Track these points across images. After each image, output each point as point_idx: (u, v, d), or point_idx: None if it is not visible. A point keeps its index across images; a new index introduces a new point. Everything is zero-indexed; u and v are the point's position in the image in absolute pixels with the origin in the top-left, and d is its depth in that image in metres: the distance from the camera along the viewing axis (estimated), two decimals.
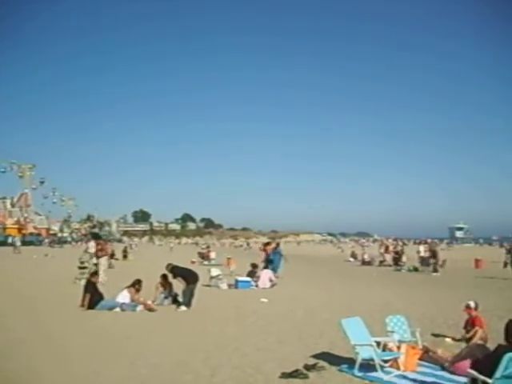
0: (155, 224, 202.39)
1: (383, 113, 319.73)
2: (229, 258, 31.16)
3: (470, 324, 10.48)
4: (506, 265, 27.55)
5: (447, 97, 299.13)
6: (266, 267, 25.29)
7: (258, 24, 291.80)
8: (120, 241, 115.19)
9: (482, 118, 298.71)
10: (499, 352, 6.23)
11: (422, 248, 43.12)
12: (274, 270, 25.89)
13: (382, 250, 44.41)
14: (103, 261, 22.80)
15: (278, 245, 30.20)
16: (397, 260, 36.99)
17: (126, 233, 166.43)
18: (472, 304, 10.65)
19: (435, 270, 30.61)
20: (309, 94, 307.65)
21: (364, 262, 42.56)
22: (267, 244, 29.95)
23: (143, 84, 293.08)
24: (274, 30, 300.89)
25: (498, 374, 6.03)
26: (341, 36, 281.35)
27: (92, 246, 23.49)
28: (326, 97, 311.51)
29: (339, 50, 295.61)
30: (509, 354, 6.04)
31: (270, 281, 21.72)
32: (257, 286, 21.36)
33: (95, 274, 16.80)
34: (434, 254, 31.96)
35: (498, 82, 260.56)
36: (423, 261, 35.50)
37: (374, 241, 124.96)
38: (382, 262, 40.62)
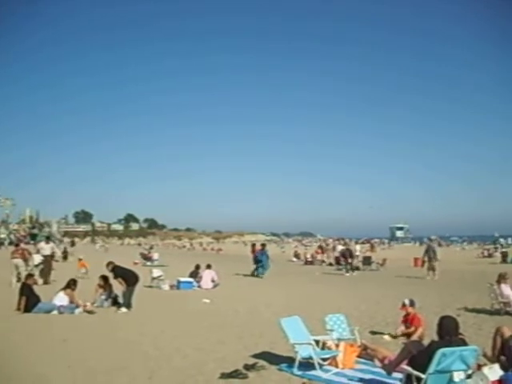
0: (97, 224, 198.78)
1: (324, 105, 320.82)
2: (80, 259, 29.46)
3: (409, 321, 10.74)
4: (423, 263, 28.10)
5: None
6: (256, 267, 28.36)
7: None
8: (61, 242, 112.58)
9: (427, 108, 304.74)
10: (432, 348, 6.38)
11: (358, 247, 43.91)
12: (263, 270, 27.93)
13: (319, 250, 45.23)
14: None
15: (264, 246, 31.06)
16: (339, 260, 37.48)
17: (67, 234, 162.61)
18: (407, 302, 10.93)
19: (348, 270, 30.29)
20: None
21: (307, 262, 42.97)
22: (255, 245, 32.30)
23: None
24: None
25: (431, 369, 6.18)
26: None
27: (44, 247, 23.02)
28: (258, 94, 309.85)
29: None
30: (441, 349, 6.19)
31: (213, 281, 21.66)
32: (199, 286, 21.27)
33: (30, 276, 16.32)
34: (350, 254, 31.32)
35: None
36: (364, 260, 36.20)
37: (318, 241, 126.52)
38: (323, 262, 41.17)
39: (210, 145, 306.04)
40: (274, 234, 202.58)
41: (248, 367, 8.22)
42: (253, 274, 28.68)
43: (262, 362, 8.57)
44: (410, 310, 10.85)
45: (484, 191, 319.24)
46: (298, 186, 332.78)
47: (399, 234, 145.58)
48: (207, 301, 17.00)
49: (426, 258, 27.16)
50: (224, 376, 7.80)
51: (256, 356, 9.10)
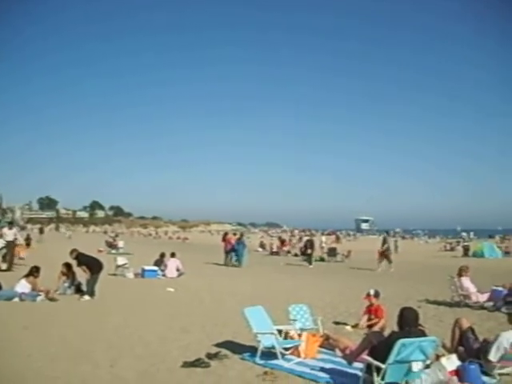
0: (62, 211, 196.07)
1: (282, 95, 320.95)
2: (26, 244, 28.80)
3: (373, 312, 10.88)
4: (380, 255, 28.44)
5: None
6: (230, 257, 29.07)
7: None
8: (23, 228, 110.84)
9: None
10: (392, 338, 6.50)
11: (324, 238, 44.24)
12: (239, 260, 28.40)
13: (278, 243, 45.47)
14: None
15: (241, 235, 31.76)
16: (304, 250, 37.76)
17: (30, 220, 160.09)
18: (372, 292, 11.06)
19: (307, 261, 30.60)
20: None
21: (272, 252, 43.18)
22: (226, 234, 31.97)
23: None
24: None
25: (390, 359, 6.29)
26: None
27: (6, 232, 22.63)
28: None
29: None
30: (401, 340, 6.31)
31: (178, 270, 21.61)
32: (164, 275, 21.19)
33: None
34: (311, 245, 31.22)
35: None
36: (330, 251, 36.54)
37: (283, 231, 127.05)
38: (288, 253, 41.44)
39: (178, 136, 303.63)
40: (240, 224, 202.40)
41: (210, 356, 8.24)
42: (225, 264, 28.97)
43: (224, 351, 8.60)
44: (374, 300, 10.98)
45: (442, 185, 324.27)
46: (265, 176, 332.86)
47: (364, 226, 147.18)
48: (171, 289, 16.97)
49: (381, 250, 27.52)
50: (186, 365, 7.81)
51: (219, 345, 9.13)
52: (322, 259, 35.08)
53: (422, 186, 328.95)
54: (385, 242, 27.69)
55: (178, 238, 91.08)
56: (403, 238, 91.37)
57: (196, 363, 7.84)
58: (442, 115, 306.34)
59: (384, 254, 27.18)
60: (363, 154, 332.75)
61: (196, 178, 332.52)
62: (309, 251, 30.82)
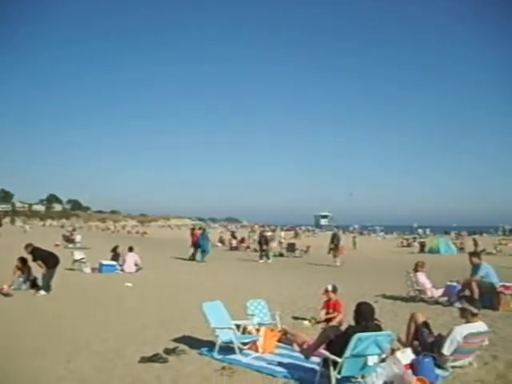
0: (18, 205, 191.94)
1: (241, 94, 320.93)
2: None
3: (331, 307, 10.99)
4: (330, 251, 28.73)
5: None
6: (195, 251, 29.00)
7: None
8: None
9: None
10: (349, 333, 6.59)
11: (283, 234, 44.48)
12: (204, 254, 28.52)
13: (231, 238, 45.60)
14: None
15: (204, 230, 31.95)
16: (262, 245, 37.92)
17: None
18: (330, 287, 11.17)
19: (262, 256, 30.23)
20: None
21: (232, 248, 43.16)
22: (194, 229, 32.88)
23: None
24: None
25: (347, 353, 6.38)
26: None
27: None
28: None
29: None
30: (358, 334, 6.40)
31: (136, 265, 21.44)
32: (122, 270, 20.99)
33: None
34: (265, 241, 30.99)
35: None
36: (289, 246, 36.74)
37: (243, 226, 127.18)
38: (247, 248, 41.51)
39: (139, 136, 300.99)
40: (200, 219, 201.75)
41: (168, 351, 8.22)
42: (191, 258, 28.98)
43: (182, 346, 8.59)
44: (332, 295, 11.10)
45: (398, 183, 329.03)
46: (225, 171, 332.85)
47: (323, 222, 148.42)
48: (130, 284, 16.83)
49: (332, 245, 27.86)
50: (144, 360, 7.78)
51: (177, 340, 9.11)
52: (280, 254, 35.26)
53: (381, 184, 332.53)
54: (334, 237, 28.02)
55: (137, 232, 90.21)
56: (361, 234, 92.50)
57: (154, 358, 7.81)
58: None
59: (333, 250, 27.61)
60: (325, 150, 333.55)
61: (156, 173, 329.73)
62: (264, 247, 30.67)
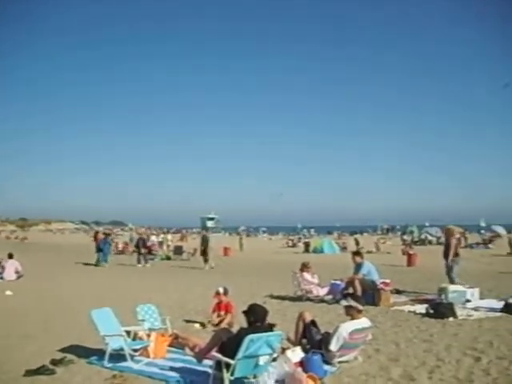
0: None
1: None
2: None
3: (223, 309, 11.07)
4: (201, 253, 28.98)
5: None
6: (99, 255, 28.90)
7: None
8: None
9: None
10: (241, 334, 6.69)
11: (169, 237, 44.18)
12: (105, 259, 28.63)
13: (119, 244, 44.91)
14: None
15: (107, 235, 32.19)
16: (150, 249, 37.51)
17: None
18: (221, 290, 11.28)
19: (140, 260, 29.43)
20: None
21: (118, 252, 42.29)
22: (97, 233, 32.55)
23: None
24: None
25: (239, 354, 6.47)
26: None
27: None
28: None
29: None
30: (250, 335, 6.51)
31: (17, 272, 20.47)
32: (1, 278, 19.96)
33: None
34: (143, 244, 30.29)
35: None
36: (176, 249, 36.56)
37: (129, 229, 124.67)
38: (134, 252, 40.85)
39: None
40: (83, 223, 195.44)
41: (55, 362, 7.92)
42: (96, 264, 28.45)
43: (70, 356, 8.30)
44: (224, 298, 11.19)
45: (285, 184, 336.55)
46: (110, 174, 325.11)
47: (210, 224, 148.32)
48: (10, 293, 16.04)
49: (202, 248, 27.95)
50: (29, 373, 7.43)
51: (64, 350, 8.79)
52: (168, 258, 35.04)
53: (265, 186, 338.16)
54: (203, 240, 28.14)
55: (16, 237, 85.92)
56: (248, 235, 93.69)
57: (40, 371, 7.48)
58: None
59: (204, 252, 27.60)
60: (208, 152, 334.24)
61: (37, 174, 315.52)
62: (142, 250, 29.89)
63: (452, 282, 14.98)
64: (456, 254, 15.59)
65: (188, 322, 11.50)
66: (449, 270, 15.50)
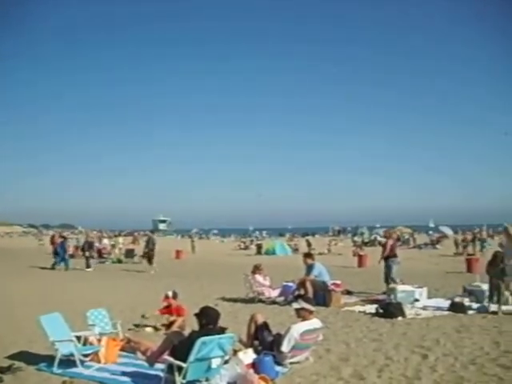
0: None
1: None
2: None
3: (173, 312, 11.02)
4: (144, 255, 28.62)
5: None
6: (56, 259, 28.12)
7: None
8: None
9: None
10: (193, 337, 6.70)
11: (121, 239, 43.70)
12: (66, 263, 27.85)
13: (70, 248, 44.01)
14: None
15: (64, 238, 31.09)
16: (100, 252, 37.16)
17: None
18: (170, 293, 11.23)
19: (88, 265, 28.52)
20: None
21: (69, 255, 41.42)
22: (54, 237, 32.57)
23: None
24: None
25: (191, 357, 6.48)
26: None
27: None
28: None
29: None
30: (202, 338, 6.52)
31: None
32: None
33: None
34: (90, 246, 29.93)
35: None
36: (127, 252, 36.15)
37: (79, 232, 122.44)
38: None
39: None
40: (31, 226, 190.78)
41: (3, 370, 7.71)
42: (53, 267, 27.72)
43: (18, 363, 8.11)
44: (173, 301, 11.15)
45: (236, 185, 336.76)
46: (59, 175, 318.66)
47: (162, 226, 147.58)
48: None
49: (146, 250, 27.67)
50: None
51: (12, 357, 8.58)
52: (119, 261, 34.58)
53: (218, 187, 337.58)
54: (149, 242, 27.86)
55: None
56: (200, 237, 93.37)
57: None
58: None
59: (148, 255, 27.22)
60: (161, 154, 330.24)
61: None
62: (87, 254, 29.19)
63: (390, 282, 15.54)
64: (394, 255, 16.02)
65: (139, 325, 11.39)
66: (387, 270, 15.95)
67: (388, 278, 15.65)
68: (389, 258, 15.96)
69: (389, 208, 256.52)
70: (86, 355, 8.26)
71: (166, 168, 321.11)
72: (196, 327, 7.29)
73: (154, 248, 27.03)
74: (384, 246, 16.48)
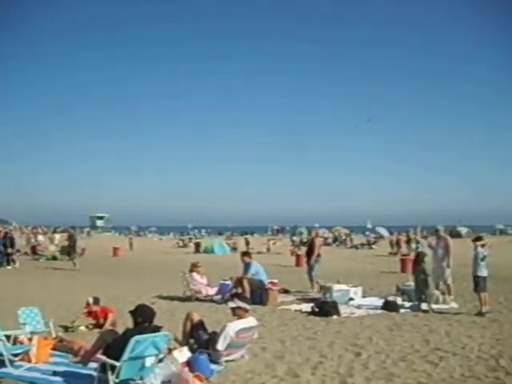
0: None
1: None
2: None
3: (101, 316, 10.79)
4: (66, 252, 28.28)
5: None
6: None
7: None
8: None
9: None
10: (127, 336, 6.61)
11: (57, 236, 42.74)
12: (7, 259, 26.73)
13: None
14: None
15: (6, 234, 29.23)
16: (34, 249, 36.30)
17: None
18: (90, 300, 10.99)
19: (13, 262, 27.27)
20: None
21: None
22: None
23: None
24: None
25: (125, 356, 6.40)
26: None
27: None
28: None
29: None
30: (135, 337, 6.46)
31: None
32: None
33: None
34: (11, 244, 27.61)
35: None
36: (63, 250, 35.38)
37: (13, 229, 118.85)
38: (18, 251, 39.17)
39: None
40: None
41: None
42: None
43: None
44: (95, 308, 10.91)
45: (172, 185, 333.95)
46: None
47: (100, 223, 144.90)
48: None
49: (67, 246, 27.30)
50: None
51: None
52: (54, 258, 33.81)
53: (153, 185, 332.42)
54: (70, 238, 27.46)
55: None
56: (138, 235, 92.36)
57: None
58: None
59: (69, 251, 27.00)
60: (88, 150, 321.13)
61: None
62: (9, 250, 27.39)
63: (311, 280, 16.18)
64: (318, 255, 16.40)
65: (72, 325, 11.14)
66: (310, 269, 16.33)
67: (311, 277, 16.33)
68: (313, 257, 16.50)
69: (328, 208, 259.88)
70: (15, 355, 8.03)
71: (103, 163, 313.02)
72: (131, 325, 7.21)
73: (75, 245, 26.68)
74: (312, 245, 16.82)
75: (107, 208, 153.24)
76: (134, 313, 7.09)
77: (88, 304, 10.95)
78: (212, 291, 14.91)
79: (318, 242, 16.86)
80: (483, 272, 12.40)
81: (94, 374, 6.86)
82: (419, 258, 13.40)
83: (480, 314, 12.04)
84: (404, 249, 37.55)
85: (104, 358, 6.60)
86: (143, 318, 6.97)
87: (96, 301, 11.02)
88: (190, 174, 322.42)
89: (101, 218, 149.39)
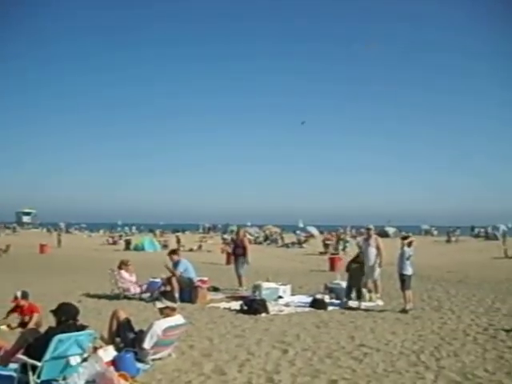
0: None
1: None
2: None
3: (24, 313, 10.46)
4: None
5: None
6: None
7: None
8: None
9: None
10: (49, 335, 6.45)
11: None
12: None
13: None
14: None
15: None
16: None
17: None
18: (19, 294, 10.61)
19: None
20: None
21: None
22: None
23: None
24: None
25: (47, 356, 6.24)
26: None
27: None
28: None
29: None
30: (58, 336, 6.31)
31: None
32: None
33: None
34: None
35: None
36: None
37: None
38: None
39: None
40: None
41: None
42: None
43: None
44: (23, 302, 10.57)
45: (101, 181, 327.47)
46: None
47: (26, 219, 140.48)
48: None
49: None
50: None
51: None
52: None
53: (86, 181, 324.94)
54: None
55: None
56: (67, 231, 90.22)
57: None
58: None
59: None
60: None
61: None
62: None
63: (240, 278, 16.41)
64: (245, 254, 16.72)
65: None
66: (238, 267, 16.65)
67: (239, 275, 16.53)
68: (241, 256, 16.65)
69: (260, 208, 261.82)
70: None
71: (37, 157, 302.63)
72: (54, 324, 7.02)
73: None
74: (244, 245, 16.89)
75: (35, 204, 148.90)
76: (56, 312, 6.91)
77: (16, 298, 10.56)
78: (141, 289, 14.73)
79: (246, 240, 17.00)
80: (408, 270, 12.80)
81: (14, 374, 6.64)
82: (359, 257, 13.99)
83: (404, 311, 12.41)
84: (332, 247, 38.31)
85: (25, 357, 6.40)
86: (67, 317, 6.80)
87: (24, 295, 10.62)
88: (114, 168, 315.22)
89: (27, 213, 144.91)
